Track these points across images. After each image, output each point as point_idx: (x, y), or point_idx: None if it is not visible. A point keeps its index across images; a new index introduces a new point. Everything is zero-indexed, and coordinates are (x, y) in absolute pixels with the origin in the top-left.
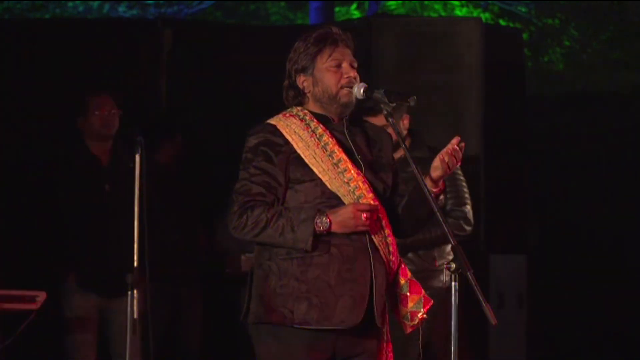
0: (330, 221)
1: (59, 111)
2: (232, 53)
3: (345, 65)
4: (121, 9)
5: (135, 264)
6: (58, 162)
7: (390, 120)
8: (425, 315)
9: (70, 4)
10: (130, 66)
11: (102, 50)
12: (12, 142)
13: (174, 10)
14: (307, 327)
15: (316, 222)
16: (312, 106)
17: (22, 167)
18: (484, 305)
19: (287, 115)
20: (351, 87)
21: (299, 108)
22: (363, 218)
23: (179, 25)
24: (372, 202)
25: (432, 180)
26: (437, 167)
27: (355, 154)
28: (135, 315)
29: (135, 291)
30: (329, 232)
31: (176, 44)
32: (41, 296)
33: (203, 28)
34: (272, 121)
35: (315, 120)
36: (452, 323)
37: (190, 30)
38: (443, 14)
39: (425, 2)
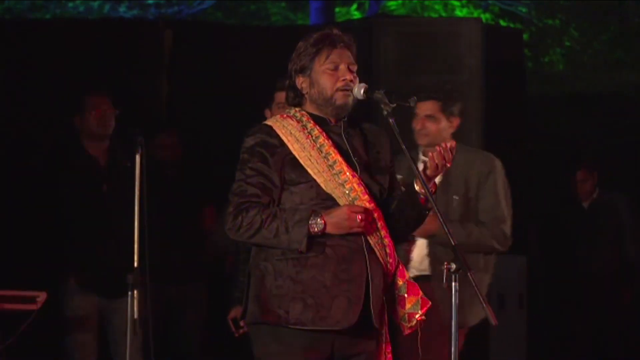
0: (324, 222)
1: (60, 112)
2: (233, 53)
3: (342, 67)
4: (122, 9)
5: (136, 264)
6: (56, 162)
7: (390, 121)
8: (423, 317)
9: (70, 4)
10: (130, 66)
11: (103, 50)
12: (11, 143)
13: (174, 11)
14: (302, 327)
15: (310, 224)
16: (310, 107)
17: (21, 167)
18: (485, 305)
19: (285, 116)
20: (346, 90)
21: (297, 109)
22: (357, 219)
23: (179, 25)
24: (367, 204)
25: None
26: (427, 167)
27: (352, 155)
28: (136, 316)
29: (135, 291)
30: (324, 233)
31: (177, 45)
32: (41, 296)
33: (203, 28)
34: (269, 122)
35: (312, 121)
36: (452, 323)
37: (190, 30)
38: (443, 14)
39: (426, 3)
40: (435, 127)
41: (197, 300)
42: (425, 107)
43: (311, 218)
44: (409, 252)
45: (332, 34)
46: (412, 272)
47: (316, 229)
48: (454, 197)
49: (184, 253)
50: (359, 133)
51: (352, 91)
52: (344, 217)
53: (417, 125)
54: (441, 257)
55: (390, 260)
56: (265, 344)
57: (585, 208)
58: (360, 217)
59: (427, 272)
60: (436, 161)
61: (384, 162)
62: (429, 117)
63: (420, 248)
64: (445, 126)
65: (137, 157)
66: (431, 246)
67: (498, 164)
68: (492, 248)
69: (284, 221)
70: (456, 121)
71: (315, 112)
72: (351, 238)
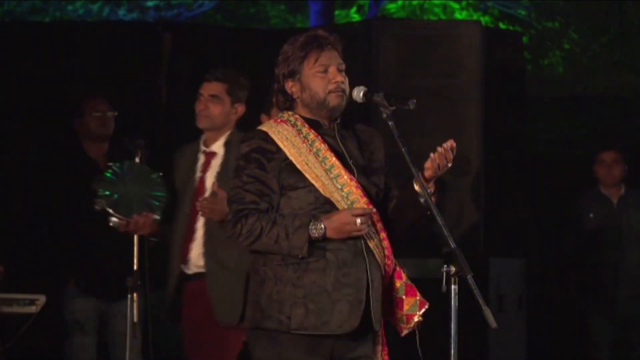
0: (325, 227)
1: (60, 114)
2: (232, 56)
3: (332, 69)
4: (121, 12)
5: (135, 267)
6: (56, 165)
7: (389, 123)
8: (421, 318)
9: (70, 7)
10: (130, 69)
11: (102, 53)
12: (11, 145)
13: (173, 14)
14: (304, 332)
15: (311, 229)
16: (302, 111)
17: (21, 170)
18: (484, 308)
19: (279, 121)
20: (338, 92)
21: (290, 113)
22: (358, 223)
23: (178, 28)
24: (366, 206)
25: (424, 180)
26: (427, 168)
27: (348, 158)
28: (135, 319)
29: (135, 294)
30: (324, 238)
31: (176, 47)
32: (41, 300)
33: (203, 31)
34: (264, 128)
35: (306, 125)
36: (452, 325)
37: (190, 33)
38: (443, 17)
39: (425, 5)
40: (218, 109)
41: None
42: (210, 88)
43: (311, 223)
44: (188, 248)
45: (318, 35)
46: (192, 269)
47: (317, 234)
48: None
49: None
50: (352, 134)
51: (344, 92)
52: (344, 221)
53: (199, 106)
54: (219, 255)
55: (389, 263)
56: (265, 349)
57: (615, 204)
58: (360, 221)
59: (203, 270)
60: (437, 161)
61: (378, 163)
62: (213, 97)
63: (198, 244)
64: (229, 111)
65: (137, 160)
66: (208, 244)
67: None
68: None
69: (284, 227)
70: (241, 108)
71: (308, 115)
72: (351, 242)
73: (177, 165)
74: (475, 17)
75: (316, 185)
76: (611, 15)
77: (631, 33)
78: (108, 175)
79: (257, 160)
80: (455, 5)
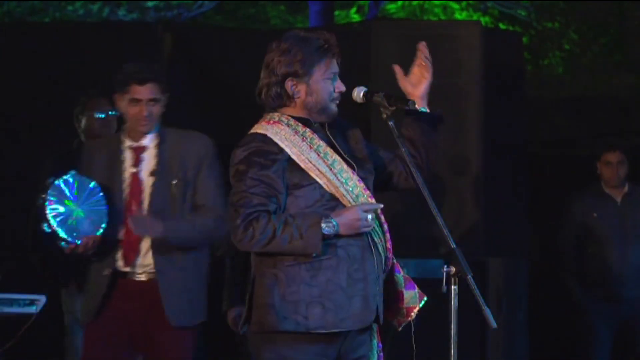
0: (337, 224)
1: (59, 115)
2: (232, 57)
3: (338, 78)
4: (121, 12)
5: None
6: (58, 165)
7: (390, 123)
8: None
9: (70, 7)
10: None
11: (102, 53)
12: (12, 145)
13: (173, 14)
14: (323, 331)
15: (323, 227)
16: (295, 111)
17: (22, 171)
18: (484, 308)
19: (271, 122)
20: (337, 101)
21: (278, 114)
22: (369, 219)
23: (178, 29)
24: (370, 199)
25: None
26: (414, 82)
27: (343, 153)
28: None
29: None
30: (335, 235)
31: (176, 48)
32: (41, 300)
33: (203, 31)
34: (260, 130)
35: (300, 124)
36: (452, 325)
37: (190, 33)
38: (443, 17)
39: (425, 6)
40: (158, 109)
41: None
42: (147, 92)
43: (323, 221)
44: (134, 247)
45: (331, 41)
46: (134, 267)
47: (329, 232)
48: (173, 181)
49: None
50: (337, 130)
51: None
52: (355, 217)
53: (142, 112)
54: (168, 253)
55: (390, 255)
56: (275, 351)
57: (619, 203)
58: (370, 216)
59: (149, 269)
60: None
61: (366, 151)
62: (153, 100)
63: (145, 243)
64: (162, 105)
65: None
66: (157, 242)
67: (212, 145)
68: (216, 235)
69: (297, 227)
70: (166, 97)
71: (301, 115)
72: (359, 237)
73: (92, 159)
74: (475, 17)
75: (320, 182)
76: (611, 15)
77: (631, 33)
78: (51, 193)
79: (258, 163)
80: (455, 6)
